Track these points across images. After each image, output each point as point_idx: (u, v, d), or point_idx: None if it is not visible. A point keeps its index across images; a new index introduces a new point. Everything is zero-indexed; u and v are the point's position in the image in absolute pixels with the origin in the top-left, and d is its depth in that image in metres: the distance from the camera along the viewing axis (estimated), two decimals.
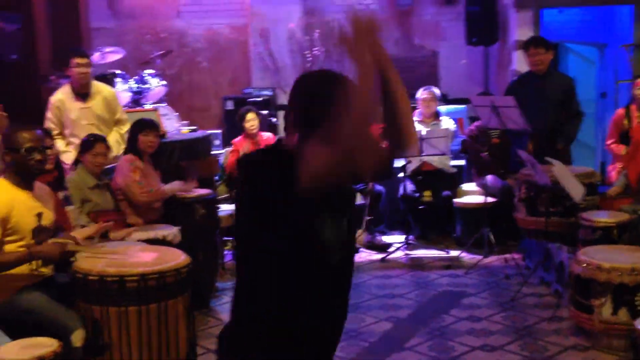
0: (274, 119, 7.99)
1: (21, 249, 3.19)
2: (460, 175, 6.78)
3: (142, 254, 3.48)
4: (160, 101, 6.87)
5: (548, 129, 5.44)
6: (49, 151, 3.67)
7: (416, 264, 5.79)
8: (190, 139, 6.07)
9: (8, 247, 3.19)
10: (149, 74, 6.89)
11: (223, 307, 4.87)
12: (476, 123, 6.30)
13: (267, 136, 6.71)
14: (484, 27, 7.78)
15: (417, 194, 6.29)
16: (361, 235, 6.33)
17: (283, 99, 8.47)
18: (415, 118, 6.48)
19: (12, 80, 6.87)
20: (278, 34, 8.43)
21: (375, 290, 5.14)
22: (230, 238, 6.15)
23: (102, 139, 4.58)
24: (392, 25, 8.73)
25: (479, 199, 6.01)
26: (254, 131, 6.47)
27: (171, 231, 4.36)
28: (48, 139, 4.33)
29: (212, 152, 6.58)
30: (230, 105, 8.05)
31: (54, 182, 4.33)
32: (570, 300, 4.14)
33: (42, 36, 7.76)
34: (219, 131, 7.77)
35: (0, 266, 3.12)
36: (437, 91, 6.56)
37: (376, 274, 5.54)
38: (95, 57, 6.67)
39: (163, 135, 5.66)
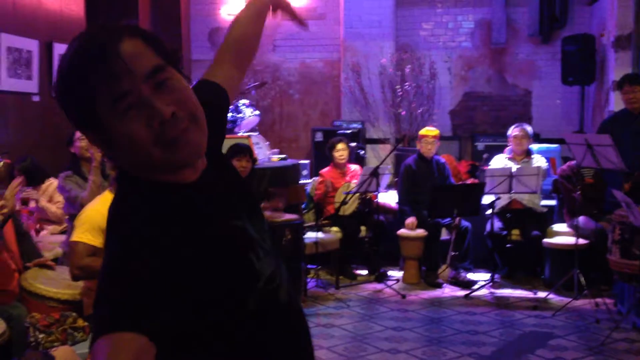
0: (362, 152, 8.08)
1: None
2: (551, 215, 6.61)
3: None
4: (253, 130, 7.10)
5: None
6: None
7: (502, 303, 5.66)
8: (280, 166, 6.24)
9: None
10: (244, 104, 7.14)
11: None
12: (569, 163, 6.16)
13: (354, 168, 6.80)
14: (581, 67, 7.64)
15: (505, 232, 6.17)
16: (445, 270, 6.27)
17: (372, 133, 8.57)
18: (505, 155, 6.42)
19: None
20: (369, 69, 8.57)
21: (458, 326, 5.06)
22: (314, 266, 6.24)
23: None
24: (486, 63, 8.71)
25: (570, 240, 5.83)
26: (343, 161, 6.58)
27: None
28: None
29: (300, 181, 6.73)
30: (319, 137, 8.21)
31: None
32: None
33: None
34: (307, 161, 7.93)
35: None
36: (529, 129, 6.46)
37: (460, 310, 5.45)
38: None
39: (255, 161, 5.84)
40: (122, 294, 1.06)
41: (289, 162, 6.71)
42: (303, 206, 6.56)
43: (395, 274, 6.52)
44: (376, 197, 6.50)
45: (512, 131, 6.42)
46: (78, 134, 4.58)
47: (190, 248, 1.14)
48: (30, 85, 5.97)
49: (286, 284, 1.33)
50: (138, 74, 1.11)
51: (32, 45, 5.95)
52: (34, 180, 5.15)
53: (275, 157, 6.82)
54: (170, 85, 1.13)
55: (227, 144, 5.63)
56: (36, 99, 6.07)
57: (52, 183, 5.16)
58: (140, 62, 1.12)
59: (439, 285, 6.12)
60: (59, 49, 6.31)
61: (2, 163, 4.35)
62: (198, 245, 1.16)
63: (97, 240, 3.26)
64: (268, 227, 1.38)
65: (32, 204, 5.09)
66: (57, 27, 6.37)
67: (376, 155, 8.41)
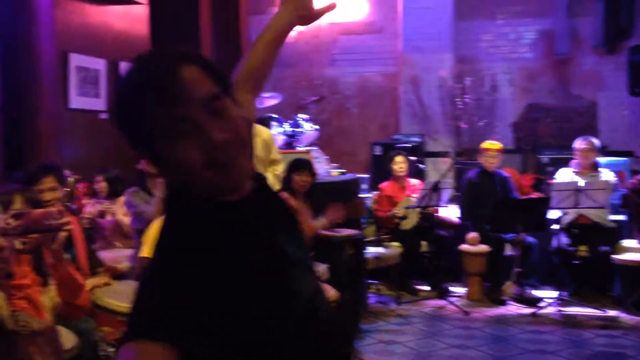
0: (422, 165, 8.00)
1: None
2: (620, 231, 6.39)
3: None
4: (311, 144, 7.13)
5: None
6: None
7: (569, 322, 5.49)
8: (340, 181, 6.23)
9: None
10: (303, 119, 7.19)
11: (366, 348, 4.87)
12: (639, 176, 5.95)
13: (414, 182, 6.73)
14: None
15: (573, 248, 6.00)
16: (510, 287, 6.13)
17: (432, 146, 8.48)
18: (572, 169, 6.25)
19: None
20: (429, 82, 8.50)
21: (524, 345, 4.93)
22: (375, 281, 6.19)
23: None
24: (549, 74, 8.53)
25: None
26: (402, 174, 6.53)
27: (320, 268, 4.47)
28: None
29: (360, 195, 6.70)
30: (378, 151, 8.18)
31: None
32: None
33: None
34: (366, 175, 7.90)
35: None
36: (596, 142, 6.28)
37: (526, 329, 5.31)
38: None
39: (315, 175, 5.86)
40: (160, 304, 1.08)
41: (349, 176, 6.70)
42: (363, 220, 6.53)
43: (458, 290, 6.41)
44: (437, 211, 6.42)
45: (579, 144, 6.25)
46: None
47: (232, 266, 1.16)
48: (98, 103, 6.16)
49: (326, 303, 1.33)
50: (195, 100, 1.13)
51: (99, 65, 6.14)
52: (115, 192, 5.27)
53: (335, 172, 6.83)
54: (225, 113, 1.16)
55: (287, 159, 5.67)
56: (104, 116, 6.24)
57: None
58: (198, 88, 1.14)
59: (503, 303, 5.98)
60: (125, 67, 6.49)
61: (73, 179, 4.48)
62: (240, 263, 1.17)
63: None
64: (308, 246, 1.38)
65: (109, 217, 5.20)
66: (123, 46, 6.55)
67: (436, 169, 8.31)
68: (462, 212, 6.56)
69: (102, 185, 5.31)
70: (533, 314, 5.63)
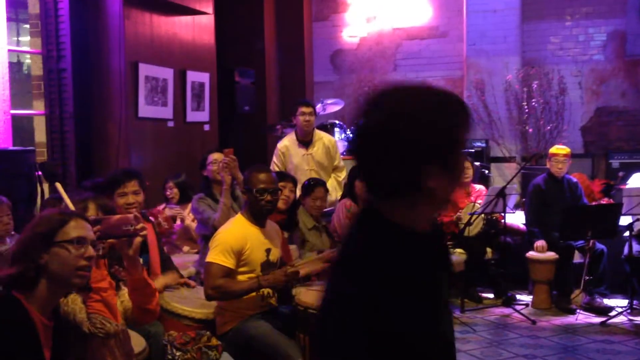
0: (487, 171, 7.87)
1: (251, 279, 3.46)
2: None
3: None
4: None
5: None
6: (280, 193, 3.91)
7: None
8: None
9: (239, 277, 3.48)
10: None
11: None
12: None
13: (479, 188, 6.63)
14: None
15: None
16: (579, 295, 5.96)
17: (497, 151, 8.34)
18: None
19: (244, 130, 7.58)
20: (494, 86, 8.36)
21: (594, 355, 4.78)
22: None
23: (322, 184, 4.85)
24: (620, 76, 8.27)
25: None
26: (467, 180, 6.45)
27: None
28: (284, 182, 4.60)
29: None
30: None
31: (284, 222, 4.65)
32: None
33: (272, 89, 8.49)
34: None
35: (234, 293, 3.40)
36: None
37: (595, 338, 5.15)
38: (317, 108, 7.13)
39: None
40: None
41: None
42: None
43: (524, 298, 6.27)
44: (503, 217, 6.30)
45: None
46: (211, 158, 4.76)
47: (429, 295, 1.30)
48: (166, 112, 6.33)
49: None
50: None
51: (167, 74, 6.31)
52: (186, 197, 5.40)
53: None
54: None
55: (349, 165, 5.69)
56: (171, 124, 6.42)
57: None
58: None
59: (572, 311, 5.81)
60: (192, 76, 6.65)
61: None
62: (428, 293, 1.31)
63: (230, 262, 3.39)
64: None
65: (179, 222, 5.33)
66: (190, 56, 6.72)
67: (501, 174, 8.16)
68: (529, 219, 6.42)
69: (173, 191, 5.45)
70: (603, 323, 5.46)
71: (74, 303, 2.32)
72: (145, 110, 6.01)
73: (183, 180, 5.43)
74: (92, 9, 5.75)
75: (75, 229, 2.15)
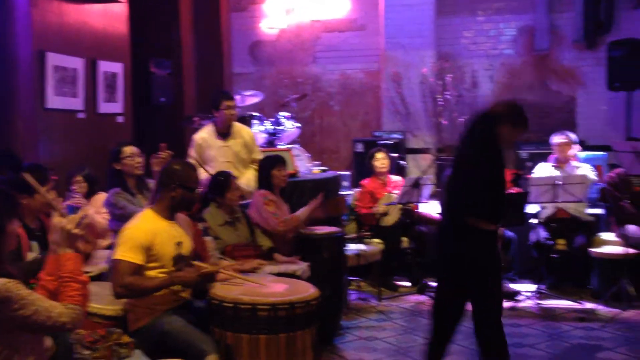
0: (403, 162, 8.03)
1: (162, 275, 3.40)
2: (598, 224, 6.46)
3: (274, 284, 3.61)
4: (293, 142, 7.12)
5: None
6: None
7: (548, 315, 5.55)
8: (321, 178, 6.24)
9: (149, 273, 3.40)
10: (284, 117, 7.18)
11: (347, 345, 4.90)
12: (617, 170, 6.02)
13: (395, 179, 6.76)
14: (627, 72, 7.46)
15: (551, 242, 6.06)
16: None
17: (413, 143, 8.51)
18: (550, 163, 6.30)
19: (160, 121, 7.43)
20: (410, 79, 8.52)
21: None
22: (356, 278, 6.21)
23: (230, 173, 4.82)
24: (529, 70, 8.58)
25: (618, 249, 5.70)
26: (384, 170, 6.56)
27: (301, 267, 4.47)
28: None
29: (341, 193, 6.72)
30: (360, 148, 8.19)
31: (195, 213, 4.59)
32: None
33: (189, 80, 8.35)
34: (348, 173, 7.92)
35: (145, 290, 3.33)
36: (572, 136, 6.34)
37: (504, 322, 5.25)
38: (236, 100, 7.05)
39: (294, 174, 5.88)
40: None
41: (330, 173, 6.70)
42: (344, 217, 6.54)
43: None
44: (418, 207, 6.45)
45: (555, 139, 6.31)
46: (127, 152, 4.65)
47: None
48: (76, 103, 6.11)
49: None
50: None
51: (77, 64, 6.10)
52: (92, 190, 5.24)
53: (316, 169, 6.83)
54: None
55: (264, 156, 5.66)
56: (81, 116, 6.21)
57: (102, 196, 5.23)
58: None
59: None
60: (104, 66, 6.45)
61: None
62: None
63: (139, 258, 3.31)
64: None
65: (80, 212, 5.15)
66: (102, 45, 6.51)
67: (417, 165, 8.34)
68: (443, 208, 6.58)
69: (82, 185, 5.27)
70: (512, 308, 5.68)
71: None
72: (54, 101, 5.79)
73: (89, 173, 5.27)
74: None
75: None
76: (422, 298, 6.06)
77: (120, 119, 6.79)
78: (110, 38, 6.67)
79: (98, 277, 4.10)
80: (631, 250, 5.41)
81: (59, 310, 2.24)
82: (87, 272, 3.77)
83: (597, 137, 7.91)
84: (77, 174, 5.25)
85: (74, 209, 4.40)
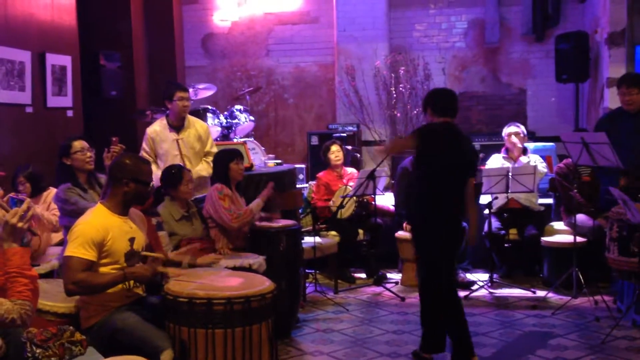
0: (358, 155, 8.06)
1: (115, 271, 3.33)
2: (548, 214, 6.61)
3: (229, 278, 3.58)
4: (248, 135, 7.09)
5: None
6: None
7: (501, 303, 5.65)
8: (276, 172, 6.22)
9: (102, 270, 3.33)
10: (238, 110, 7.13)
11: (304, 337, 4.90)
12: (565, 161, 6.16)
13: (350, 171, 6.79)
14: (574, 64, 7.65)
15: (503, 232, 6.18)
16: None
17: (367, 135, 8.56)
18: (501, 155, 6.40)
19: (111, 115, 7.29)
20: (364, 71, 8.57)
21: None
22: (313, 271, 6.22)
23: (183, 166, 4.76)
24: (480, 63, 8.71)
25: (568, 238, 5.83)
26: (338, 163, 6.58)
27: (257, 260, 4.45)
28: None
29: (297, 186, 6.72)
30: (315, 141, 8.20)
31: (148, 207, 4.51)
32: None
33: (140, 73, 8.21)
34: (303, 166, 7.92)
35: (97, 287, 3.26)
36: (522, 128, 6.46)
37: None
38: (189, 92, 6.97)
39: (250, 168, 5.85)
40: None
41: (285, 167, 6.69)
42: (300, 210, 6.54)
43: (394, 276, 6.51)
44: (373, 199, 6.49)
45: (506, 130, 6.42)
46: (77, 147, 4.53)
47: None
48: (24, 97, 5.96)
49: None
50: None
51: (24, 57, 5.94)
52: (37, 189, 5.10)
53: (271, 163, 6.81)
54: None
55: (221, 149, 5.61)
56: (29, 110, 6.05)
57: (52, 192, 5.11)
58: None
59: None
60: (52, 59, 6.30)
61: None
62: None
63: (91, 254, 3.24)
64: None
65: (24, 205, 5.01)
66: (49, 37, 6.36)
67: (372, 157, 8.40)
68: (398, 200, 6.65)
69: (26, 185, 5.12)
70: (465, 297, 5.77)
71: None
72: (0, 95, 5.63)
73: (31, 172, 5.11)
74: None
75: None
76: (378, 289, 6.11)
77: (70, 113, 6.64)
78: (58, 30, 6.51)
79: (50, 274, 4.00)
80: (580, 239, 5.54)
81: (6, 307, 2.17)
82: (35, 266, 3.69)
83: (547, 129, 8.10)
84: (20, 174, 5.09)
85: (16, 202, 4.26)
